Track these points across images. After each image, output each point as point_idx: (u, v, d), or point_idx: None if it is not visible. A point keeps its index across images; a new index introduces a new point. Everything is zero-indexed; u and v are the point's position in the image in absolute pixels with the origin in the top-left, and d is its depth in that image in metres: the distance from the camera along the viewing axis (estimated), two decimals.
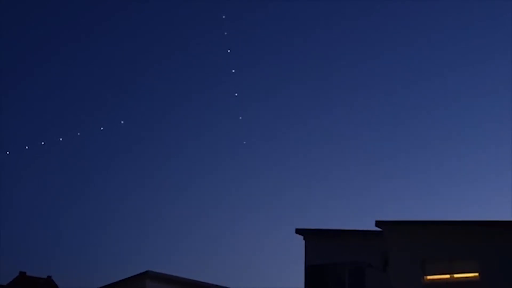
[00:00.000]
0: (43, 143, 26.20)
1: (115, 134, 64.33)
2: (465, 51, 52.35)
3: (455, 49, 51.94)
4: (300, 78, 53.41)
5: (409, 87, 53.80)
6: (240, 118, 28.83)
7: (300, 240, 23.14)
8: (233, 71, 24.87)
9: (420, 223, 19.11)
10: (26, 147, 26.73)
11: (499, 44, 49.38)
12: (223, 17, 23.71)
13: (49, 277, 53.46)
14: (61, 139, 26.33)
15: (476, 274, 17.97)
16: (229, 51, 24.34)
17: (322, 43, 53.60)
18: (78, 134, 26.86)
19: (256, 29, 51.45)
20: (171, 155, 59.44)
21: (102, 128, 27.63)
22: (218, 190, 60.20)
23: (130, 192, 63.85)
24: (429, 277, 18.60)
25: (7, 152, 26.43)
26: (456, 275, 18.29)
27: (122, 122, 27.80)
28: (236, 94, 26.38)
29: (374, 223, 19.47)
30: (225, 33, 23.98)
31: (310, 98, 55.10)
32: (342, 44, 54.01)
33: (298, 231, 23.22)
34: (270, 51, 52.62)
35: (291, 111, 55.49)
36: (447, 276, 18.43)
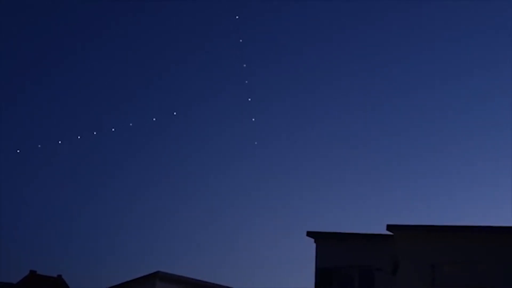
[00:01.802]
0: (60, 142, 26.37)
1: (127, 135, 64.61)
2: (457, 61, 52.34)
3: (448, 58, 51.94)
4: (313, 81, 53.42)
5: (422, 91, 53.71)
6: (253, 119, 28.76)
7: (311, 243, 23.24)
8: (244, 65, 24.89)
9: (431, 228, 19.09)
10: (38, 146, 26.90)
11: (502, 50, 49.22)
12: (237, 17, 23.74)
13: (59, 275, 53.72)
14: (79, 137, 26.48)
15: (487, 279, 17.84)
16: (241, 43, 24.26)
17: (334, 45, 53.61)
18: (94, 133, 27.01)
19: (269, 30, 51.51)
20: (183, 156, 59.56)
21: (113, 129, 27.73)
22: (230, 192, 60.25)
23: (141, 192, 63.96)
24: (439, 282, 18.53)
25: (39, 146, 26.56)
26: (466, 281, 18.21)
27: (131, 124, 27.93)
28: (249, 99, 26.36)
29: (385, 227, 19.50)
30: (240, 41, 24.05)
31: (322, 101, 55.11)
32: (354, 46, 53.97)
33: (309, 234, 23.27)
34: (282, 53, 52.67)
35: (304, 114, 55.49)
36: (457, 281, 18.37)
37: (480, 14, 48.82)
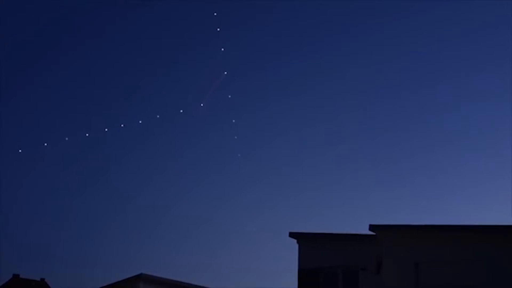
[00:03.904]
0: (45, 144, 26.14)
1: (113, 140, 64.37)
2: (457, 59, 52.42)
3: (448, 56, 52.03)
4: (298, 82, 53.33)
5: (408, 92, 53.89)
6: (234, 121, 28.54)
7: (293, 244, 23.15)
8: (222, 49, 24.78)
9: (414, 227, 19.05)
10: (20, 151, 26.65)
11: (497, 49, 49.40)
12: (215, 14, 23.60)
13: (42, 279, 53.38)
14: (45, 144, 26.28)
15: (472, 279, 17.78)
16: (222, 49, 24.18)
17: (325, 47, 53.50)
18: (66, 139, 26.74)
19: (254, 32, 51.36)
20: (167, 161, 59.38)
21: (87, 135, 27.49)
22: (213, 194, 60.20)
23: (125, 196, 63.84)
24: (423, 281, 18.44)
25: (19, 151, 26.34)
26: (450, 280, 18.10)
27: (106, 130, 27.74)
28: (229, 96, 26.18)
29: (368, 227, 19.42)
30: (218, 29, 23.87)
31: (306, 102, 55.04)
32: (342, 47, 53.93)
33: (292, 234, 23.20)
34: (269, 52, 52.57)
35: (288, 116, 55.44)
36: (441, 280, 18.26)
37: (479, 13, 48.91)
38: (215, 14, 23.51)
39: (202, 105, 25.36)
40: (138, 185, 61.99)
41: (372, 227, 19.24)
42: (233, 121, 27.86)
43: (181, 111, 26.09)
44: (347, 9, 50.94)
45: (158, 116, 26.85)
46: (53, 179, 60.14)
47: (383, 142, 57.43)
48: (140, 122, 26.73)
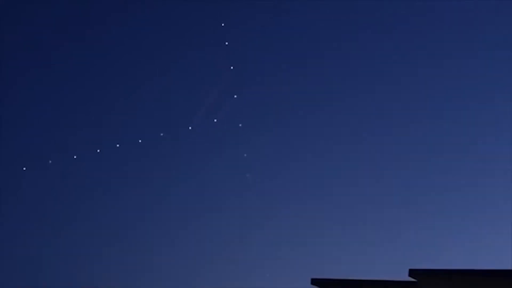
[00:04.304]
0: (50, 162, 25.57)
1: (112, 156, 64.11)
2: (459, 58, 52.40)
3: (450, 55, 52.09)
4: (308, 105, 52.39)
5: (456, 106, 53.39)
6: (245, 155, 27.55)
7: None
8: (235, 96, 24.26)
9: (462, 272, 17.00)
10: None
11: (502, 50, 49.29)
12: (222, 24, 22.87)
13: None
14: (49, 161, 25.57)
15: None
16: (232, 67, 23.19)
17: (331, 53, 52.96)
18: (98, 150, 26.14)
19: (260, 38, 51.12)
20: (171, 194, 58.41)
21: (98, 151, 26.86)
22: (229, 234, 58.56)
23: (127, 201, 63.17)
24: None
25: (24, 169, 25.91)
26: None
27: (94, 150, 26.97)
28: (240, 125, 25.35)
29: (406, 272, 17.23)
30: (226, 43, 23.16)
31: (326, 126, 53.79)
32: (351, 53, 53.37)
33: (315, 281, 21.29)
34: (275, 67, 51.98)
35: (303, 144, 54.06)
36: None
37: (479, 12, 49.37)
38: (223, 24, 22.75)
39: (215, 120, 24.71)
40: (139, 186, 62.31)
41: (412, 273, 17.17)
42: (245, 155, 26.64)
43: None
44: (347, 10, 52.02)
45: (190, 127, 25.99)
46: (54, 188, 60.22)
47: (424, 175, 56.13)
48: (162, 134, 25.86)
